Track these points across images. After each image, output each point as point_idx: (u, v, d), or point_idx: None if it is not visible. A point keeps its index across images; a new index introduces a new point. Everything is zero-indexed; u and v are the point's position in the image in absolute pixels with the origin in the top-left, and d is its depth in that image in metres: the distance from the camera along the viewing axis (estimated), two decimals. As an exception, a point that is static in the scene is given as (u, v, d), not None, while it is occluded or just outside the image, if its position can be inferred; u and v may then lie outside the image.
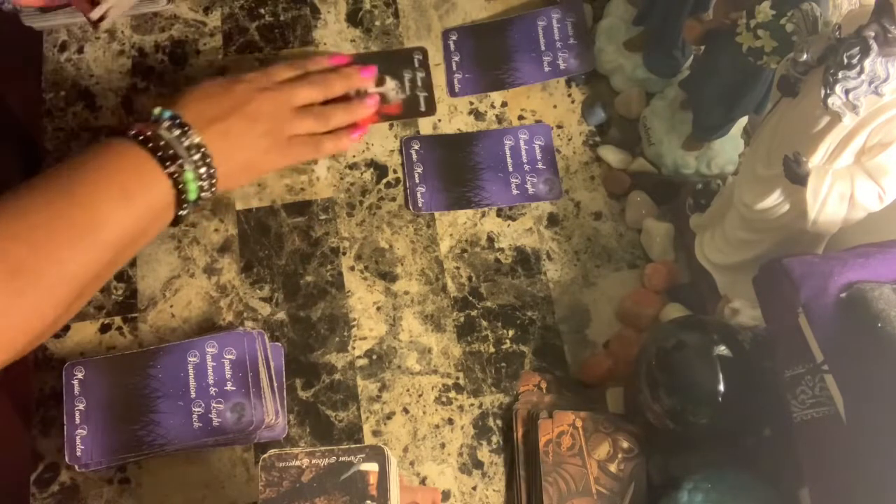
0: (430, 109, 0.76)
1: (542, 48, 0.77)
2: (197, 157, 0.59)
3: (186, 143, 0.59)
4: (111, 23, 0.73)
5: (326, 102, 0.69)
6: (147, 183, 0.57)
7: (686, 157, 0.72)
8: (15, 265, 0.50)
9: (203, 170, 0.59)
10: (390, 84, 0.76)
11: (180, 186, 0.58)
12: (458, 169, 0.74)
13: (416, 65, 0.77)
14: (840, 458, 0.48)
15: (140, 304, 0.68)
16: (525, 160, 0.74)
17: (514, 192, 0.73)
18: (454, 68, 0.77)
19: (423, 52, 0.78)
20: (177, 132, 0.59)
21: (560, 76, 0.77)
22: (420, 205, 0.72)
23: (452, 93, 0.77)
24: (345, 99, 0.71)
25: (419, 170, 0.73)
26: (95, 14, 0.70)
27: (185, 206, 0.59)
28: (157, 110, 0.60)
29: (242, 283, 0.69)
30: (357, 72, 0.72)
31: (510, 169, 0.74)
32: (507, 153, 0.74)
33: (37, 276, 0.51)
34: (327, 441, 0.65)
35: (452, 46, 0.78)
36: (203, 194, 0.60)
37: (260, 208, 0.72)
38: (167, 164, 0.57)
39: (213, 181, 0.60)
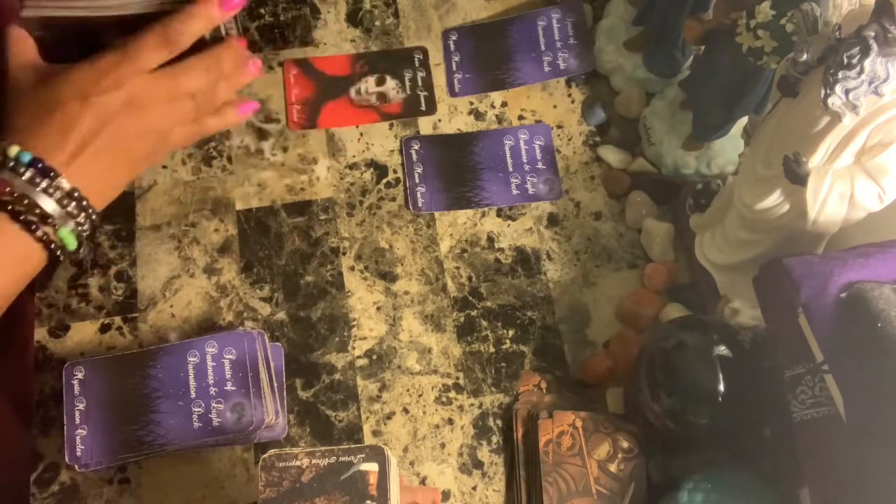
0: (431, 109, 0.76)
1: (542, 48, 0.77)
2: (71, 206, 0.50)
3: (57, 195, 0.49)
4: None
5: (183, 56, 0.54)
6: (11, 252, 0.49)
7: (686, 157, 0.72)
8: None
9: (79, 217, 0.50)
10: (391, 83, 0.76)
11: (53, 245, 0.50)
12: (458, 169, 0.74)
13: (417, 64, 0.77)
14: (840, 458, 0.48)
15: (140, 304, 0.68)
16: (525, 160, 0.74)
17: (514, 192, 0.73)
18: (454, 68, 0.77)
19: (424, 51, 0.78)
20: (43, 183, 0.48)
21: (560, 76, 0.77)
22: (420, 205, 0.72)
23: (452, 93, 0.77)
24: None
25: (419, 170, 0.73)
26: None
27: (61, 256, 0.51)
28: (12, 151, 0.48)
29: (242, 283, 0.69)
30: (243, 44, 0.58)
31: (510, 169, 0.74)
32: (507, 153, 0.74)
33: None
34: (327, 441, 0.65)
35: (452, 46, 0.78)
36: (81, 229, 0.51)
37: (260, 208, 0.72)
38: (34, 228, 0.49)
39: (91, 217, 0.51)
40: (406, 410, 0.66)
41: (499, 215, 0.73)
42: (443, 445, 0.65)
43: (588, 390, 0.67)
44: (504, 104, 0.77)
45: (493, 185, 0.73)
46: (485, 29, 0.79)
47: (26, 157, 0.48)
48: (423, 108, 0.76)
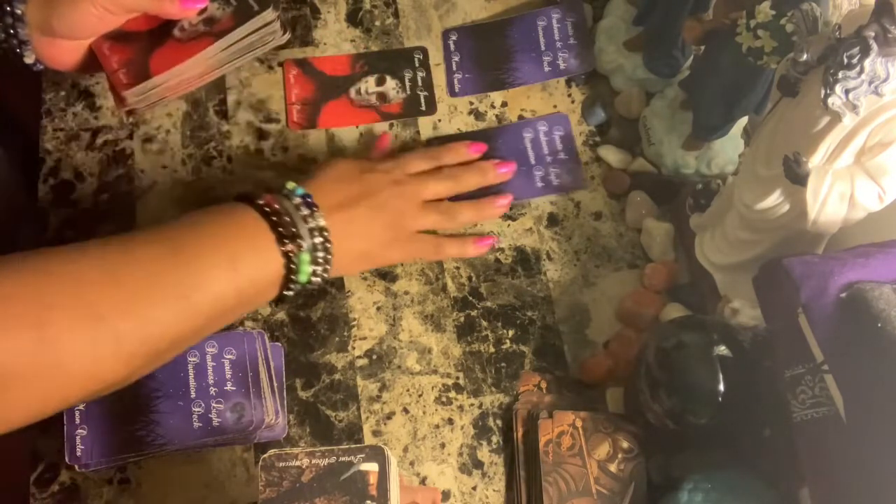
0: (431, 109, 0.76)
1: (543, 48, 0.77)
2: (318, 240, 0.58)
3: (311, 225, 0.58)
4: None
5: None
6: (258, 256, 0.55)
7: (686, 157, 0.72)
8: (97, 315, 0.48)
9: (320, 254, 0.58)
10: (391, 83, 0.76)
11: (292, 266, 0.56)
12: None
13: (417, 64, 0.77)
14: (840, 458, 0.48)
15: (140, 304, 0.68)
16: (546, 151, 0.74)
17: (539, 184, 0.73)
18: (454, 68, 0.77)
19: (424, 51, 0.78)
20: (305, 211, 0.58)
21: (560, 76, 0.77)
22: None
23: (452, 93, 0.77)
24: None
25: None
26: (121, 109, 0.69)
27: (292, 286, 0.58)
28: (290, 185, 0.59)
29: (242, 283, 0.69)
30: (493, 167, 0.70)
31: (532, 161, 0.74)
32: (528, 146, 0.75)
33: (116, 331, 0.49)
34: (327, 441, 0.65)
35: (452, 46, 0.78)
36: (314, 279, 0.58)
37: (260, 208, 0.72)
38: (285, 241, 0.56)
39: (327, 267, 0.59)
40: (406, 410, 0.66)
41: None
42: (443, 445, 0.65)
43: (588, 390, 0.67)
44: (504, 104, 0.77)
45: (517, 179, 0.73)
46: (485, 29, 0.79)
47: (299, 191, 0.59)
48: (423, 108, 0.76)
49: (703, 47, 0.67)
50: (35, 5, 0.60)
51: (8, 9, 0.60)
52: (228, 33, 0.68)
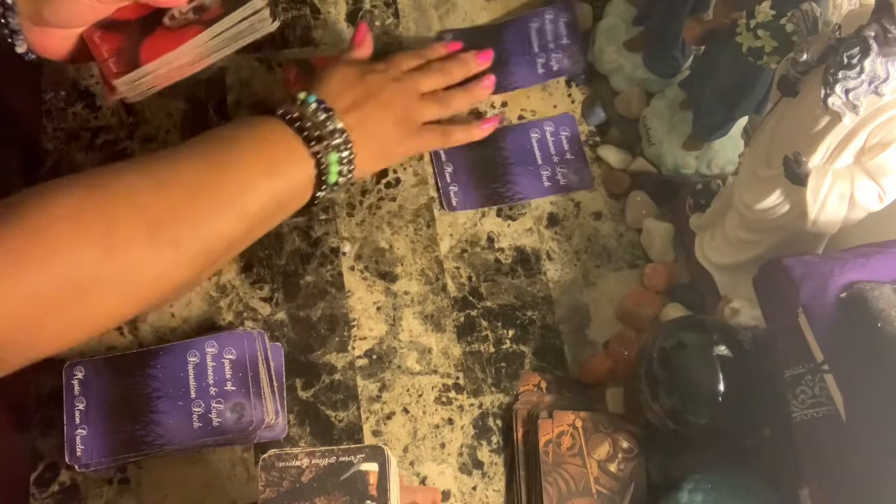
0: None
1: (536, 50, 0.77)
2: (339, 140, 0.61)
3: (331, 127, 0.61)
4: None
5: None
6: (292, 160, 0.60)
7: (686, 157, 0.72)
8: (155, 222, 0.53)
9: (345, 153, 0.62)
10: None
11: (322, 167, 0.60)
12: (488, 166, 0.74)
13: None
14: (840, 458, 0.48)
15: (140, 304, 0.68)
16: (553, 151, 0.75)
17: (546, 184, 0.73)
18: None
19: None
20: (322, 116, 0.61)
21: (553, 77, 0.77)
22: (455, 204, 0.72)
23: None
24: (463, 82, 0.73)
25: (449, 169, 0.73)
26: (111, 99, 0.69)
27: (324, 188, 0.62)
28: (302, 94, 0.63)
29: (242, 283, 0.69)
30: (473, 57, 0.73)
31: (539, 162, 0.74)
32: (535, 146, 0.75)
33: (175, 236, 0.54)
34: (327, 441, 0.65)
35: None
36: (341, 179, 0.62)
37: (260, 208, 0.72)
38: (312, 144, 0.60)
39: (352, 167, 0.63)
40: (406, 410, 0.66)
41: (499, 215, 0.73)
42: (443, 445, 0.65)
43: (588, 390, 0.67)
44: (504, 104, 0.77)
45: (524, 179, 0.73)
46: (480, 32, 0.79)
47: (312, 98, 0.63)
48: None
49: (703, 47, 0.67)
50: None
51: None
52: (218, 21, 0.68)
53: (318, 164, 0.60)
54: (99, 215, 0.52)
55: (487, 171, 0.74)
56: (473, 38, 0.78)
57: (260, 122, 0.61)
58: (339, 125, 0.62)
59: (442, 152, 0.74)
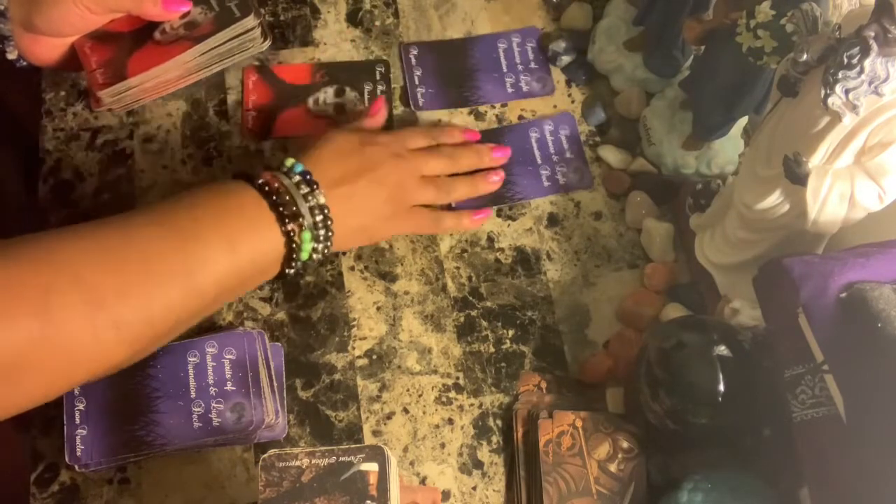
0: (389, 124, 0.75)
1: (504, 69, 0.78)
2: (319, 218, 0.58)
3: (311, 203, 0.58)
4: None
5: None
6: (259, 236, 0.55)
7: (686, 157, 0.72)
8: (97, 298, 0.48)
9: (321, 231, 0.58)
10: (350, 95, 0.76)
11: (294, 245, 0.57)
12: None
13: (378, 77, 0.77)
14: (840, 458, 0.48)
15: (140, 304, 0.68)
16: (553, 151, 0.75)
17: (546, 183, 0.73)
18: (416, 82, 0.77)
19: (385, 64, 0.78)
20: (304, 189, 0.58)
21: (523, 98, 0.77)
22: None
23: (416, 106, 0.76)
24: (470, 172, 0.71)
25: None
26: (96, 108, 0.70)
27: (295, 264, 0.58)
28: (289, 162, 0.59)
29: (242, 283, 0.69)
30: (489, 150, 0.71)
31: (539, 161, 0.74)
32: (535, 146, 0.75)
33: (117, 316, 0.49)
34: (327, 441, 0.65)
35: (413, 60, 0.78)
36: (315, 255, 0.59)
37: (260, 208, 0.72)
38: (286, 221, 0.56)
39: (329, 244, 0.59)
40: (406, 410, 0.66)
41: (499, 215, 0.73)
42: (443, 445, 0.65)
43: (588, 390, 0.67)
44: (504, 104, 0.77)
45: (523, 179, 0.73)
46: (446, 46, 0.79)
47: (298, 168, 0.59)
48: None
49: (703, 47, 0.67)
50: (18, 1, 0.60)
51: None
52: (208, 38, 0.68)
53: (290, 241, 0.56)
54: (37, 287, 0.47)
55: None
56: (439, 52, 0.78)
57: (231, 190, 0.56)
58: (321, 201, 0.58)
59: None
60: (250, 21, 0.68)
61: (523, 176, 0.73)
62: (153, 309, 0.51)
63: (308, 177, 0.58)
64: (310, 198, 0.57)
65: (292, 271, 0.58)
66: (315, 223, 0.57)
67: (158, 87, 0.69)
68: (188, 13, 0.69)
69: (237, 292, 0.57)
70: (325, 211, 0.58)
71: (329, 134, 0.63)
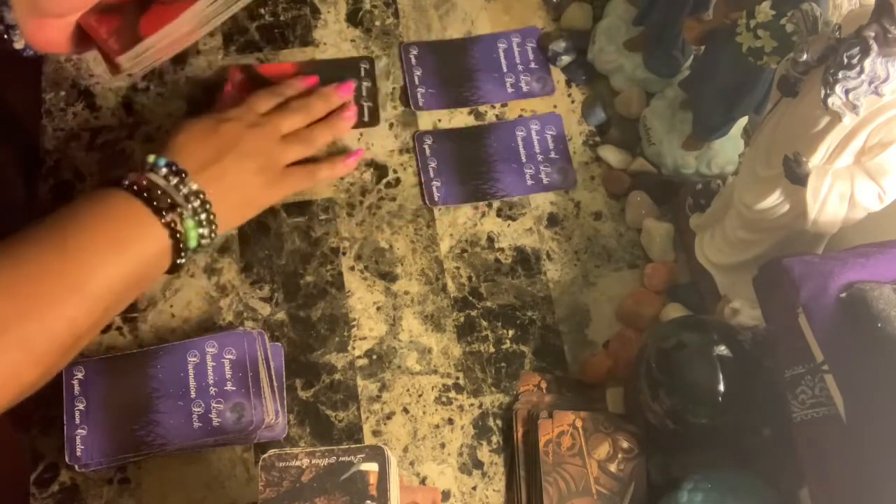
0: (374, 120, 0.75)
1: (505, 70, 0.78)
2: (196, 203, 0.58)
3: (185, 191, 0.58)
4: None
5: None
6: (141, 234, 0.56)
7: (686, 157, 0.72)
8: (1, 323, 0.49)
9: (203, 216, 0.58)
10: None
11: (178, 235, 0.57)
12: (472, 162, 0.74)
13: (363, 74, 0.77)
14: (840, 458, 0.48)
15: (140, 304, 0.68)
16: (538, 150, 0.75)
17: (529, 182, 0.73)
18: (416, 82, 0.77)
19: (370, 61, 0.78)
20: (174, 180, 0.58)
21: (523, 98, 0.77)
22: (437, 199, 0.72)
23: (417, 106, 0.76)
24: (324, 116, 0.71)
25: (433, 164, 0.74)
26: (115, 76, 0.69)
27: (185, 254, 0.58)
28: (151, 158, 0.59)
29: (242, 283, 0.69)
30: (334, 91, 0.72)
31: (523, 160, 0.74)
32: (520, 144, 0.75)
33: (19, 335, 0.50)
34: (327, 441, 0.65)
35: (414, 60, 0.78)
36: (203, 241, 0.59)
37: (260, 208, 0.72)
38: (164, 213, 0.56)
39: (214, 226, 0.60)
40: (406, 410, 0.66)
41: (499, 215, 0.73)
42: (443, 445, 0.65)
43: (588, 390, 0.67)
44: (504, 104, 0.77)
45: (507, 177, 0.73)
46: (446, 46, 0.79)
47: (161, 161, 0.59)
48: (366, 118, 0.75)
49: (703, 47, 0.67)
50: None
51: None
52: None
53: (173, 232, 0.57)
54: None
55: (471, 167, 0.74)
56: (439, 52, 0.78)
57: (103, 197, 0.56)
58: (194, 187, 0.58)
59: (426, 147, 0.74)
60: None
61: (507, 174, 0.74)
62: (55, 326, 0.51)
63: (174, 167, 0.58)
64: (181, 186, 0.58)
65: (184, 261, 0.59)
66: (194, 209, 0.58)
67: (172, 45, 0.69)
68: None
69: (134, 292, 0.58)
70: (201, 195, 0.58)
71: (182, 123, 0.63)
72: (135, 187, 0.56)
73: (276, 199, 0.69)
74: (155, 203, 0.56)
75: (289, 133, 0.68)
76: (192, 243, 0.58)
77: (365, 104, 0.76)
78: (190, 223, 0.58)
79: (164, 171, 0.58)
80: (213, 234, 0.60)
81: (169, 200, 0.57)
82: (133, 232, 0.56)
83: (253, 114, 0.66)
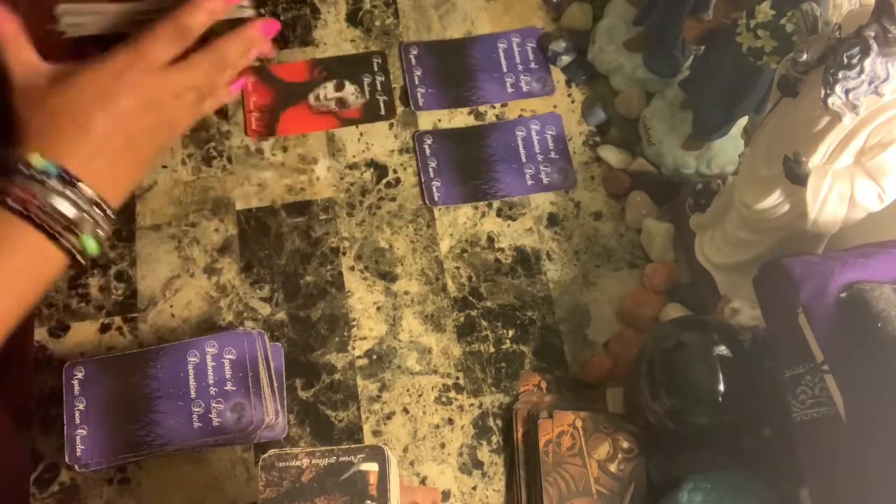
0: (390, 113, 0.76)
1: (505, 70, 0.78)
2: (93, 211, 0.50)
3: (80, 202, 0.49)
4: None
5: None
6: (33, 261, 0.49)
7: (686, 157, 0.72)
8: None
9: (101, 221, 0.50)
10: (349, 88, 0.76)
11: (76, 251, 0.49)
12: (472, 162, 0.74)
13: (376, 68, 0.77)
14: (840, 458, 0.48)
15: (140, 304, 0.68)
16: (538, 150, 0.75)
17: (529, 182, 0.73)
18: (416, 82, 0.77)
19: (382, 55, 0.78)
20: (69, 193, 0.49)
21: (523, 98, 0.77)
22: (436, 199, 0.72)
23: (417, 106, 0.76)
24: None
25: (433, 164, 0.74)
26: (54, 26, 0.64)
27: (83, 261, 0.51)
28: (37, 162, 0.48)
29: (242, 283, 0.69)
30: (257, 30, 0.56)
31: (523, 160, 0.74)
32: (520, 144, 0.75)
33: None
34: (327, 441, 0.65)
35: (414, 60, 0.78)
36: (101, 232, 0.51)
37: (260, 208, 0.72)
38: (60, 236, 0.49)
39: (112, 219, 0.51)
40: (406, 410, 0.66)
41: (499, 215, 0.73)
42: (443, 445, 0.65)
43: (588, 390, 0.67)
44: (504, 104, 0.77)
45: (507, 177, 0.74)
46: (446, 47, 0.79)
47: (47, 166, 0.49)
48: (383, 112, 0.76)
49: (703, 47, 0.67)
50: None
51: None
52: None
53: (71, 250, 0.49)
54: None
55: (471, 167, 0.74)
56: (439, 52, 0.78)
57: None
58: (90, 193, 0.49)
59: (426, 147, 0.74)
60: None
61: (507, 174, 0.74)
62: None
63: (65, 175, 0.49)
64: (79, 199, 0.49)
65: (82, 263, 0.51)
66: (93, 220, 0.50)
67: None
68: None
69: (28, 309, 0.51)
70: (97, 199, 0.50)
71: (62, 90, 0.51)
72: (24, 212, 0.47)
73: (172, 141, 0.61)
74: (49, 227, 0.48)
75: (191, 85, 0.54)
76: (95, 251, 0.51)
77: (380, 98, 0.76)
78: (88, 236, 0.50)
79: (54, 182, 0.48)
80: (111, 221, 0.52)
81: (64, 223, 0.49)
82: (24, 261, 0.48)
83: (147, 72, 0.53)
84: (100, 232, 0.51)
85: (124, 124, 0.52)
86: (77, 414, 0.61)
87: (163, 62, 0.53)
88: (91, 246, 0.51)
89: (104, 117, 0.51)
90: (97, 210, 0.50)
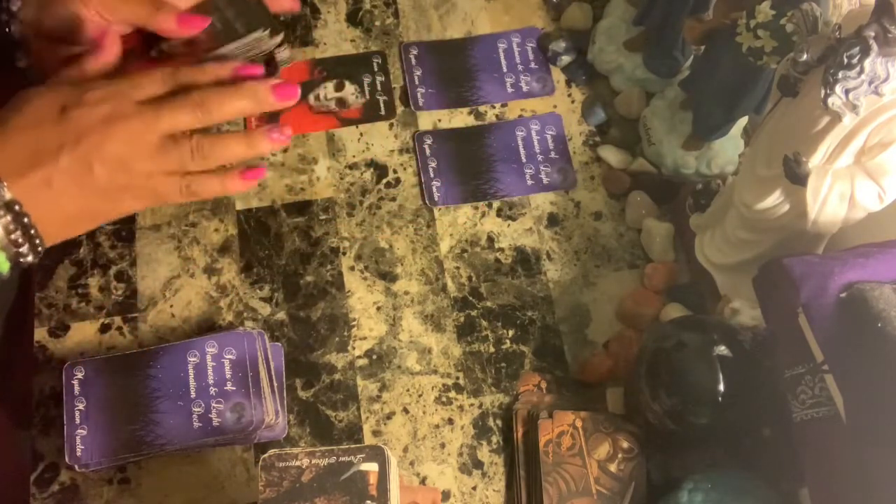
0: (390, 113, 0.76)
1: (505, 70, 0.78)
2: (8, 218, 0.44)
3: (3, 222, 0.44)
4: None
5: None
6: None
7: (686, 157, 0.72)
8: None
9: (16, 234, 0.44)
10: (349, 88, 0.76)
11: None
12: (472, 162, 0.74)
13: (376, 68, 0.77)
14: (840, 458, 0.48)
15: (140, 304, 0.68)
16: (538, 150, 0.75)
17: (529, 182, 0.74)
18: (416, 82, 0.77)
19: (382, 55, 0.78)
20: None
21: (523, 98, 0.77)
22: (436, 199, 0.72)
23: (417, 106, 0.76)
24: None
25: (433, 164, 0.74)
26: None
27: None
28: None
29: (242, 283, 0.69)
30: (268, 89, 0.49)
31: (523, 160, 0.74)
32: (520, 144, 0.75)
33: None
34: (327, 441, 0.65)
35: (413, 60, 0.78)
36: (22, 260, 0.46)
37: (260, 208, 0.72)
38: None
39: (36, 242, 0.46)
40: (406, 410, 0.66)
41: (499, 215, 0.73)
42: (443, 445, 0.65)
43: (588, 390, 0.67)
44: (504, 104, 0.77)
45: (507, 177, 0.74)
46: (446, 46, 0.79)
47: None
48: (383, 112, 0.76)
49: (703, 47, 0.67)
50: (30, 3, 0.52)
51: (4, 4, 0.53)
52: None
53: None
54: None
55: (471, 167, 0.74)
56: (439, 51, 0.78)
57: None
58: (7, 196, 0.44)
59: (427, 147, 0.74)
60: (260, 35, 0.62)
61: (507, 174, 0.74)
62: None
63: None
64: None
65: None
66: (7, 228, 0.44)
67: None
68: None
69: None
70: (17, 207, 0.44)
71: (22, 96, 0.47)
72: None
73: (137, 210, 0.53)
74: None
75: (175, 134, 0.48)
76: (4, 269, 0.45)
77: (380, 98, 0.76)
78: (2, 256, 0.45)
79: None
80: (36, 250, 0.46)
81: None
82: None
83: (123, 99, 0.47)
84: (20, 259, 0.45)
85: (79, 139, 0.46)
86: (77, 414, 0.61)
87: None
88: (2, 259, 0.45)
89: (59, 128, 0.46)
90: (22, 234, 0.45)
